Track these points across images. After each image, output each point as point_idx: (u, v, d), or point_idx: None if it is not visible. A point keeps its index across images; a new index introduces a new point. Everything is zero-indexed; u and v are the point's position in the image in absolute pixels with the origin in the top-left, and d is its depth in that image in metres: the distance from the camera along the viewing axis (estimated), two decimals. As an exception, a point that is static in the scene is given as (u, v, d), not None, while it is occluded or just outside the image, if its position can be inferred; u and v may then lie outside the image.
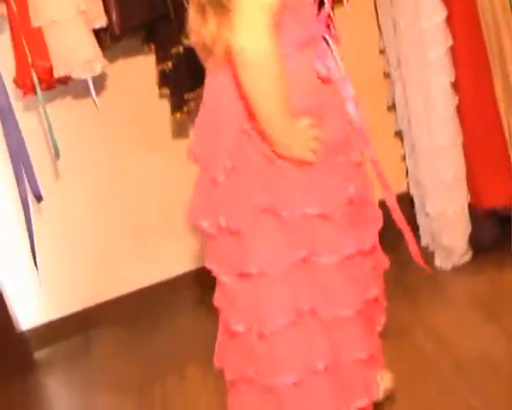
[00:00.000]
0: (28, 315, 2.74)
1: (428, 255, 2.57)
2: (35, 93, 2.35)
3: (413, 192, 2.66)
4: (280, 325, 1.61)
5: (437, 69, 2.31)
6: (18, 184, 2.44)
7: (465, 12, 2.31)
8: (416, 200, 2.66)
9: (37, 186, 2.46)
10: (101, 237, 2.72)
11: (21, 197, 2.45)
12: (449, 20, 2.29)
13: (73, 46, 2.27)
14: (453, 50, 2.32)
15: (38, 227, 2.53)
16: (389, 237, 2.71)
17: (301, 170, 1.59)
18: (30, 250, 2.48)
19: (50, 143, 2.42)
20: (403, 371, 2.00)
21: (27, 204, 2.45)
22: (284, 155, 1.57)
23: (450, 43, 2.30)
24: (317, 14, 1.63)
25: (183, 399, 2.21)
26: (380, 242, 2.65)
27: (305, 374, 1.65)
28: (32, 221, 2.45)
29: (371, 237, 1.74)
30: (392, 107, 2.73)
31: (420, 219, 2.65)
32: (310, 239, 1.60)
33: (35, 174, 2.44)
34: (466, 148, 2.41)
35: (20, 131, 2.41)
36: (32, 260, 2.50)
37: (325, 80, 1.64)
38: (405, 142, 2.65)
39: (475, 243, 2.50)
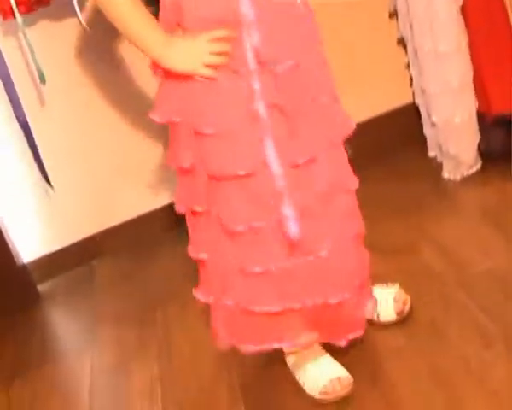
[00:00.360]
0: (29, 248, 2.69)
1: (436, 167, 2.48)
2: (14, 17, 2.24)
3: (418, 102, 2.54)
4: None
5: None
6: (14, 110, 2.37)
7: None
8: (421, 109, 2.54)
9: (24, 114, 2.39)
10: (97, 164, 2.63)
11: (20, 122, 2.38)
12: None
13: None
14: None
15: (30, 158, 2.46)
16: (389, 153, 2.67)
17: None
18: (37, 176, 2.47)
19: (34, 68, 2.32)
20: (409, 287, 1.92)
21: (28, 128, 2.39)
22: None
23: None
24: None
25: (185, 326, 2.17)
26: (379, 158, 2.59)
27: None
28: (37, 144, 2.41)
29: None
30: (393, 13, 2.58)
31: (426, 130, 2.54)
32: None
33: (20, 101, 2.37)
34: (472, 51, 2.27)
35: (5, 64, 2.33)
36: (33, 190, 2.51)
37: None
38: (408, 49, 2.51)
39: (485, 152, 2.38)
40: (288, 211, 1.52)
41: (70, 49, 2.46)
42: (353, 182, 1.65)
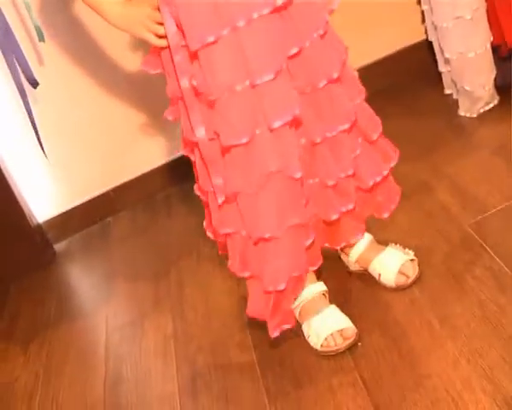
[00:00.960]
0: (43, 207, 2.67)
1: (453, 104, 2.40)
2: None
3: (431, 38, 2.44)
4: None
5: None
6: (11, 72, 2.31)
7: None
8: (434, 46, 2.44)
9: (31, 71, 2.32)
10: (104, 119, 2.59)
11: (17, 85, 2.32)
12: None
13: None
14: None
15: (38, 117, 2.41)
16: (405, 91, 2.60)
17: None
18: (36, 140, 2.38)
19: (31, 27, 2.26)
20: (423, 230, 1.89)
21: (24, 93, 2.32)
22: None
23: None
24: None
25: (198, 282, 2.15)
26: (394, 96, 2.50)
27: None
28: (33, 110, 2.33)
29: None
30: None
31: (441, 67, 2.45)
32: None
33: (26, 59, 2.31)
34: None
35: (3, 17, 2.26)
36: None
37: None
38: (419, -18, 2.41)
39: (501, 87, 2.29)
40: None
41: (69, 5, 2.39)
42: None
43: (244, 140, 1.49)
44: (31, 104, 2.32)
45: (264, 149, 1.50)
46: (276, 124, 1.48)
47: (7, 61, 2.29)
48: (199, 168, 1.60)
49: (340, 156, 1.60)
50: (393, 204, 1.77)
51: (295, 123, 1.53)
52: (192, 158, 1.65)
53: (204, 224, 1.78)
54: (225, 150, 1.52)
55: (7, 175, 2.52)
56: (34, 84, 2.33)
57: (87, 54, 2.48)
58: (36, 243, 2.60)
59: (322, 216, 1.67)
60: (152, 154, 2.67)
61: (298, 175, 1.52)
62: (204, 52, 1.46)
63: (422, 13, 2.48)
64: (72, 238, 2.70)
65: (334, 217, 1.65)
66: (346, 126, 1.58)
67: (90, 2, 1.56)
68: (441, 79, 2.48)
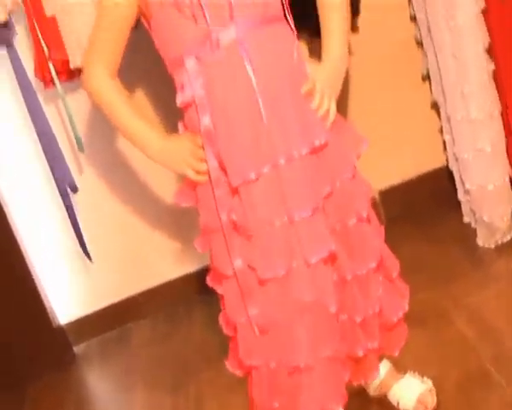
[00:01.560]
0: (66, 309, 2.72)
1: (471, 233, 2.45)
2: (54, 85, 2.29)
3: (452, 167, 2.53)
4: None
5: (468, 34, 2.18)
6: (54, 175, 2.41)
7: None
8: (455, 175, 2.52)
9: (72, 178, 2.43)
10: (133, 228, 2.67)
11: (60, 189, 2.42)
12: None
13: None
14: (486, 14, 2.18)
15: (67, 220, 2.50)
16: (424, 216, 2.66)
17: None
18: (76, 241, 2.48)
19: (72, 135, 2.37)
20: (440, 361, 1.92)
21: (67, 194, 2.42)
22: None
23: (482, 5, 2.17)
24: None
25: (218, 396, 2.16)
26: (413, 221, 2.55)
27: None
28: (76, 211, 2.45)
29: None
30: (427, 77, 2.59)
31: (460, 196, 2.52)
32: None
33: (68, 166, 2.42)
34: (505, 117, 2.27)
35: (49, 125, 2.38)
36: (71, 253, 2.53)
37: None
38: (442, 115, 2.51)
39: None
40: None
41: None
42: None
43: (281, 273, 1.52)
44: (74, 208, 2.43)
45: (300, 280, 1.53)
46: (313, 259, 1.52)
47: (50, 166, 2.41)
48: (229, 299, 1.61)
49: (367, 294, 1.64)
50: (403, 341, 1.80)
51: (331, 258, 1.57)
52: (219, 291, 1.66)
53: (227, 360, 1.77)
54: (262, 282, 1.55)
55: (33, 273, 2.59)
56: (74, 189, 2.44)
57: (123, 168, 2.59)
58: (56, 343, 2.65)
59: (348, 352, 1.70)
60: (176, 263, 2.72)
61: (333, 309, 1.55)
62: (245, 188, 1.51)
63: (444, 142, 2.57)
64: (91, 341, 2.73)
65: (361, 353, 1.67)
66: (374, 265, 1.62)
67: (130, 138, 1.61)
68: (460, 207, 2.54)
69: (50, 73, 2.28)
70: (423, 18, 2.38)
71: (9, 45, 2.33)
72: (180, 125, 1.61)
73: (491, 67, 2.25)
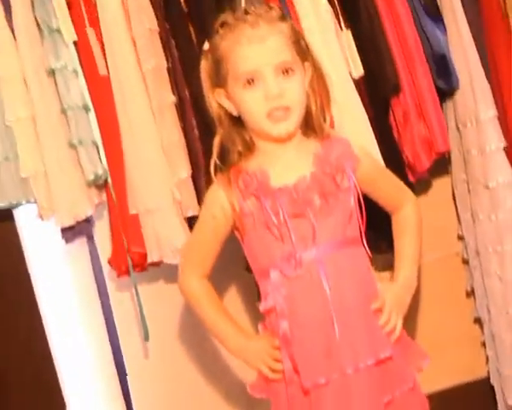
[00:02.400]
0: None
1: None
2: (128, 275, 2.46)
3: (493, 382, 2.63)
4: None
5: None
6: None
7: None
8: (496, 390, 2.61)
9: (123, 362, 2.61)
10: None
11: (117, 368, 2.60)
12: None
13: (167, 234, 2.39)
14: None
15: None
16: None
17: None
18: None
19: (140, 323, 2.51)
20: None
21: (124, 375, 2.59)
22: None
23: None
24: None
25: None
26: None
27: None
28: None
29: None
30: (471, 292, 2.73)
31: None
32: None
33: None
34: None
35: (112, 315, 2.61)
36: None
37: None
38: (485, 331, 2.64)
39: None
40: None
41: (176, 310, 2.64)
42: None
43: None
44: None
45: None
46: None
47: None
48: None
49: None
50: None
51: None
52: None
53: None
54: None
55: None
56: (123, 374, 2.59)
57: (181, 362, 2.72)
58: None
59: None
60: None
61: None
62: (315, 390, 1.69)
63: (487, 356, 2.67)
64: None
65: None
66: None
67: (214, 334, 1.84)
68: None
69: (126, 264, 2.45)
70: (472, 242, 2.58)
71: (90, 238, 2.57)
72: (260, 327, 1.82)
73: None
